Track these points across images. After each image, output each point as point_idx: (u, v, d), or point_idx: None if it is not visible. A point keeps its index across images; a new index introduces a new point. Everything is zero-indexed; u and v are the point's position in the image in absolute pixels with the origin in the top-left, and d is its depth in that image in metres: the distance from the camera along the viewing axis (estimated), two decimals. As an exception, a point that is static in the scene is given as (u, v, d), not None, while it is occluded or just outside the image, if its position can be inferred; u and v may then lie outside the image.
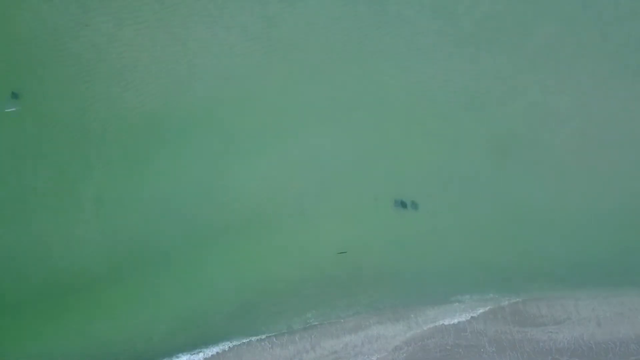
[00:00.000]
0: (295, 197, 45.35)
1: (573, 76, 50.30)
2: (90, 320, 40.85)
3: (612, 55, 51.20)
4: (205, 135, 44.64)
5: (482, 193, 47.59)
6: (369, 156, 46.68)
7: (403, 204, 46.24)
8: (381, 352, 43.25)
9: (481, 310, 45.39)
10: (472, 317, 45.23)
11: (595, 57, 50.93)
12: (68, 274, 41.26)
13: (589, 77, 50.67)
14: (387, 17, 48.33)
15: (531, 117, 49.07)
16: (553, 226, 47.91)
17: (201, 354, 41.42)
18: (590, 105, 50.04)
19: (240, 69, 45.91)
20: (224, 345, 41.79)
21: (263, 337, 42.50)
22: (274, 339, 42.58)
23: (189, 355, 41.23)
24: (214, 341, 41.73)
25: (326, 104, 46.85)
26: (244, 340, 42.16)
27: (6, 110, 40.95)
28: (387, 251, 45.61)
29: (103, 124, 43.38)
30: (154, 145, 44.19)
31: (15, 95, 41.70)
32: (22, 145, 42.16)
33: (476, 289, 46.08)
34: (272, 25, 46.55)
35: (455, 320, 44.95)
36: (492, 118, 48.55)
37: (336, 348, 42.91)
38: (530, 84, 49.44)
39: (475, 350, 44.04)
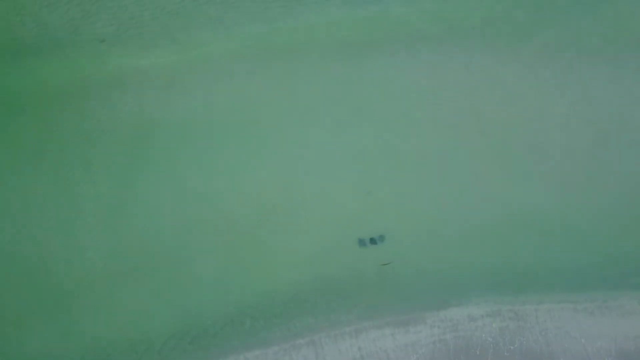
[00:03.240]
0: (294, 199, 45.56)
1: (572, 80, 50.52)
2: (91, 323, 41.00)
3: (612, 59, 51.39)
4: (204, 138, 44.90)
5: (480, 197, 47.68)
6: (368, 155, 46.85)
7: (372, 241, 45.10)
8: (381, 357, 43.52)
9: (480, 314, 45.58)
10: (470, 320, 45.41)
11: (594, 60, 51.12)
12: (67, 276, 41.38)
13: (588, 81, 50.88)
14: (385, 20, 48.60)
15: (529, 121, 49.25)
16: (550, 230, 47.86)
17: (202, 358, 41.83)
18: (589, 110, 50.17)
19: (240, 72, 46.25)
20: (225, 352, 41.97)
21: (262, 341, 42.83)
22: (274, 345, 42.81)
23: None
24: (215, 346, 42.03)
25: (325, 107, 46.96)
26: (246, 347, 42.45)
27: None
28: (386, 254, 45.99)
29: (103, 127, 43.74)
30: (152, 148, 44.41)
31: None
32: (22, 147, 42.49)
33: (475, 293, 46.15)
34: (272, 29, 46.87)
35: (454, 324, 45.15)
36: (490, 122, 48.73)
37: (334, 352, 43.14)
38: (528, 88, 49.66)
39: (473, 354, 44.31)
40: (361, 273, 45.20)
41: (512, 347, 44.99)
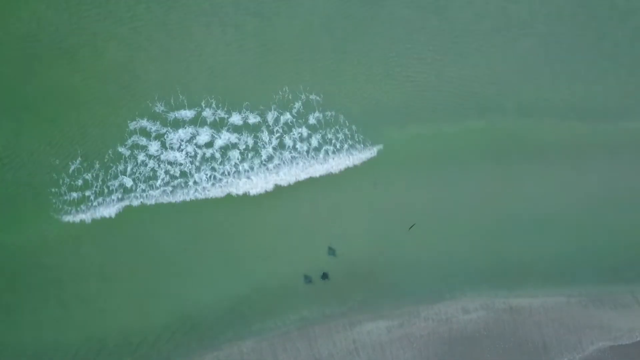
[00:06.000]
0: (290, 195, 45.60)
1: (567, 75, 50.75)
2: (85, 315, 41.12)
3: (607, 54, 51.65)
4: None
5: (475, 192, 47.88)
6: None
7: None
8: (375, 350, 43.51)
9: (473, 307, 45.72)
10: (464, 313, 45.52)
11: (590, 55, 51.35)
12: (64, 271, 41.52)
13: (584, 76, 51.12)
14: (382, 15, 48.76)
15: (524, 115, 49.44)
16: (545, 225, 48.33)
17: (197, 352, 41.79)
18: (584, 105, 50.46)
19: (235, 66, 46.16)
20: (219, 344, 42.16)
21: (257, 333, 42.84)
22: (269, 337, 42.84)
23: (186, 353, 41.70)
24: (210, 339, 42.21)
25: (322, 100, 47.19)
26: (240, 339, 42.49)
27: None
28: (381, 249, 45.97)
29: (100, 122, 43.64)
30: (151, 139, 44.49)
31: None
32: (19, 142, 42.39)
33: (469, 287, 46.41)
34: (267, 24, 46.89)
35: (448, 317, 45.22)
36: (485, 117, 48.93)
37: (329, 344, 43.15)
38: (523, 82, 49.88)
39: (467, 347, 44.35)
40: (355, 267, 45.31)
41: (506, 339, 45.11)
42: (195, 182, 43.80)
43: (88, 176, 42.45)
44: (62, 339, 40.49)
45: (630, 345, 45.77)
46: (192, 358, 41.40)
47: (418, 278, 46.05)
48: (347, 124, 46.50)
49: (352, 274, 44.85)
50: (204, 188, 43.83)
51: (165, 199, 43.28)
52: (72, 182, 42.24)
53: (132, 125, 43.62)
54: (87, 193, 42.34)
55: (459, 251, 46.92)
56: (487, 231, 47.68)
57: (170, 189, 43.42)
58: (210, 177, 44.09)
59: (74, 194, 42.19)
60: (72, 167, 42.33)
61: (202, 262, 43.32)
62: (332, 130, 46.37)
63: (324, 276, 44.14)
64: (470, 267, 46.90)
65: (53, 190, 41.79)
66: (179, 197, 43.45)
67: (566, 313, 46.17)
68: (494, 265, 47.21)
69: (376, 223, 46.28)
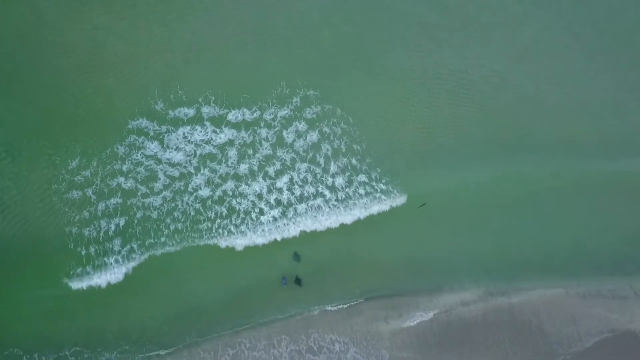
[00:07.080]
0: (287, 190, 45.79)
1: (565, 69, 50.64)
2: (85, 310, 41.35)
3: (605, 48, 51.48)
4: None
5: (474, 184, 47.95)
6: (367, 128, 47.50)
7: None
8: (375, 340, 43.77)
9: (472, 299, 45.90)
10: (463, 305, 45.73)
11: (587, 49, 51.20)
12: (62, 267, 41.76)
13: (582, 70, 50.99)
14: (380, 9, 48.70)
15: (522, 109, 49.38)
16: (544, 217, 48.39)
17: (194, 344, 42.14)
18: (583, 99, 50.37)
19: (235, 60, 46.23)
20: (218, 335, 42.54)
21: (256, 323, 43.23)
22: (267, 327, 43.15)
23: (184, 344, 42.10)
24: (209, 330, 42.51)
25: (319, 94, 47.27)
26: (239, 329, 42.82)
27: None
28: (380, 241, 46.26)
29: (98, 115, 43.77)
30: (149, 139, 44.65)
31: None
32: (18, 136, 42.61)
33: (467, 279, 46.55)
34: (266, 18, 46.92)
35: (447, 309, 45.43)
36: (484, 111, 48.93)
37: (329, 337, 43.43)
38: (522, 76, 49.81)
39: (465, 335, 44.56)
40: (354, 259, 45.50)
41: (504, 330, 45.30)
42: (195, 188, 43.85)
43: (87, 173, 42.73)
44: (61, 332, 40.69)
45: (629, 337, 45.92)
46: (192, 348, 41.73)
47: (418, 271, 46.27)
48: (345, 117, 46.77)
49: (351, 268, 45.16)
50: (203, 199, 43.79)
51: (173, 233, 43.19)
52: (72, 179, 42.50)
53: (132, 124, 43.79)
54: (89, 193, 42.60)
55: (458, 244, 47.11)
56: (487, 225, 47.82)
57: (170, 194, 43.44)
58: (208, 180, 44.11)
59: (75, 192, 42.45)
60: (72, 165, 42.62)
61: (200, 257, 43.66)
62: (330, 123, 46.61)
63: (297, 281, 44.21)
64: (469, 260, 47.03)
65: (54, 187, 42.23)
66: (182, 206, 43.47)
67: (565, 305, 46.32)
68: (493, 258, 47.35)
69: (375, 219, 46.55)
